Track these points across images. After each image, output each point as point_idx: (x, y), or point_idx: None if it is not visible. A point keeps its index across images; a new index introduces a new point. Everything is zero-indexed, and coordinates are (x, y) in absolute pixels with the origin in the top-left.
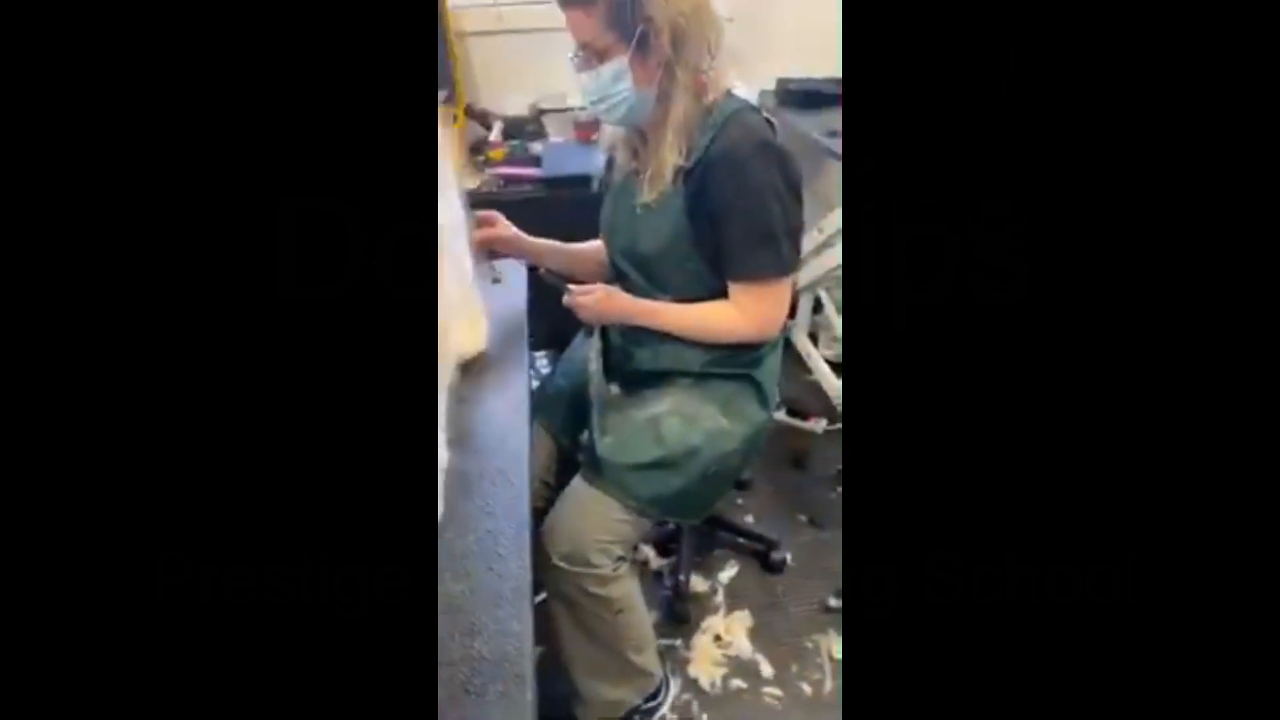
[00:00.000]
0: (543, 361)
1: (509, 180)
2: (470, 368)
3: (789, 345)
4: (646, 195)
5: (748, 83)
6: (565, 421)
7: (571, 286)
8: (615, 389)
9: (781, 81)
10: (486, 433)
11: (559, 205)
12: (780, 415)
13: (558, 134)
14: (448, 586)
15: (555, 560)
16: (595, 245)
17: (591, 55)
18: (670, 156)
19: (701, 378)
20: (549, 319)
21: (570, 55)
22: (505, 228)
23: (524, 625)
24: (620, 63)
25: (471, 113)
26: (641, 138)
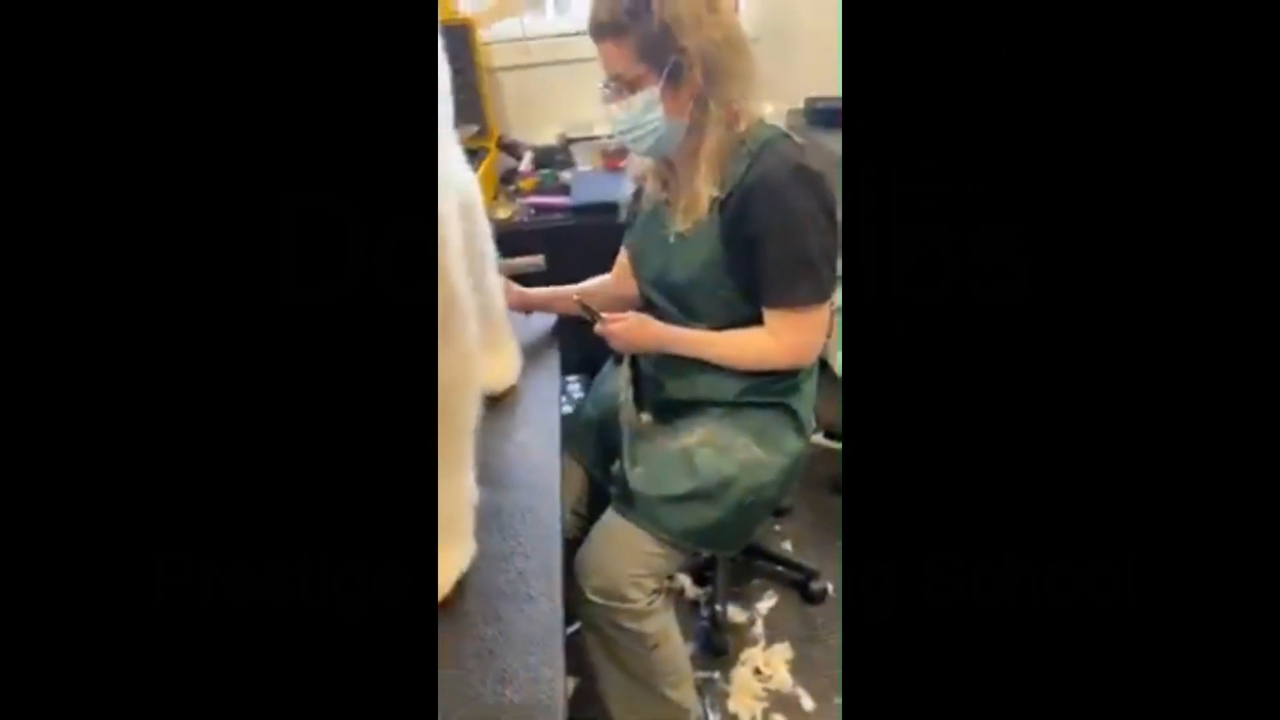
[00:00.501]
0: (574, 386)
1: (539, 209)
2: (501, 400)
3: (825, 368)
4: (680, 225)
5: (775, 103)
6: (597, 452)
7: (604, 315)
8: (646, 418)
9: (810, 101)
10: (517, 468)
11: (589, 232)
12: (818, 438)
13: (585, 163)
14: (480, 629)
15: (589, 594)
16: (602, 281)
17: (623, 86)
18: (705, 188)
19: (735, 407)
20: (580, 344)
21: (601, 85)
22: (506, 291)
23: (555, 671)
24: (651, 92)
25: (502, 144)
26: (669, 167)
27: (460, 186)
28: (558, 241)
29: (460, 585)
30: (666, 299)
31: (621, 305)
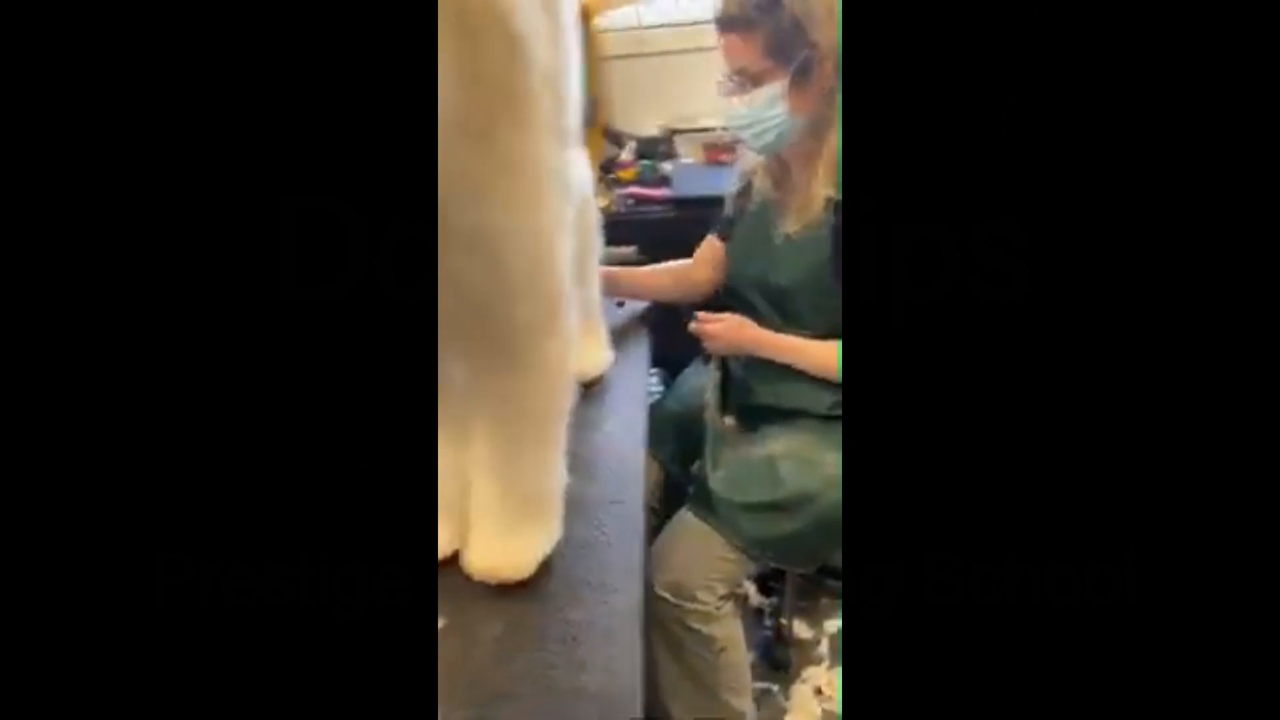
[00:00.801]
0: (652, 379)
1: (639, 200)
2: (590, 390)
3: None
4: (790, 226)
5: None
6: (675, 450)
7: (699, 314)
8: (730, 421)
9: None
10: (604, 458)
11: (687, 225)
12: None
13: (688, 155)
14: (565, 614)
15: (660, 590)
16: (681, 264)
17: (746, 80)
18: (821, 188)
19: (825, 420)
20: (664, 339)
21: (721, 79)
22: None
23: (633, 664)
24: (775, 88)
25: (606, 133)
26: (783, 165)
27: (579, 181)
28: (654, 233)
29: (547, 568)
30: (767, 302)
31: (694, 292)
